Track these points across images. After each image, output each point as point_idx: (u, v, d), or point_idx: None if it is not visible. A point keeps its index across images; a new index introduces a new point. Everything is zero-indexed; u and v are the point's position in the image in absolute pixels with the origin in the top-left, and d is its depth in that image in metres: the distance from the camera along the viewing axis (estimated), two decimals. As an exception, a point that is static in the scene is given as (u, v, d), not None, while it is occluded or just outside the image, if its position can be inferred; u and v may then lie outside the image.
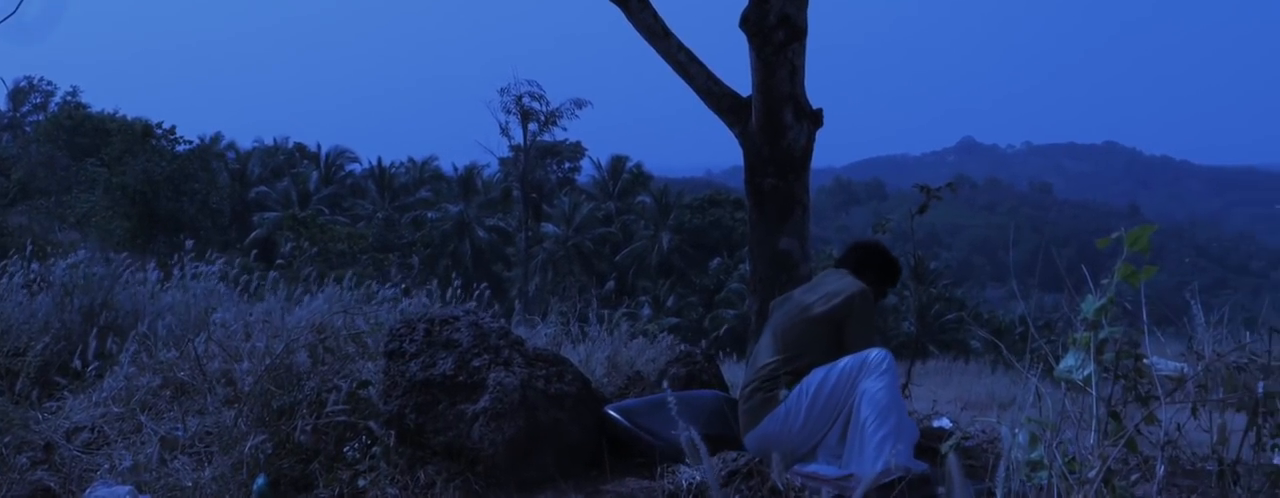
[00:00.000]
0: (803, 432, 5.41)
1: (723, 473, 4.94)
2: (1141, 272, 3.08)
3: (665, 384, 6.91)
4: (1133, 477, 3.06)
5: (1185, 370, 3.79)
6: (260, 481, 5.25)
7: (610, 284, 27.53)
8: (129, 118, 46.15)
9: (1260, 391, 3.23)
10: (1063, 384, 3.19)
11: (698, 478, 5.23)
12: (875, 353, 5.45)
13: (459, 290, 9.57)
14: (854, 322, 5.65)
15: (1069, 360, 3.16)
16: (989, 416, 7.75)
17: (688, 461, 4.79)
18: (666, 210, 63.37)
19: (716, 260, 59.43)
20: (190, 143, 47.71)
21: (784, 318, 5.78)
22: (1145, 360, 3.23)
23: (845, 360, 5.41)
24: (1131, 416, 3.12)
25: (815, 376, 5.43)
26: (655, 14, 7.39)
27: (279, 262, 10.97)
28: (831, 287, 5.77)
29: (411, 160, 69.04)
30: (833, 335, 5.63)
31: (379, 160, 66.13)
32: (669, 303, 55.63)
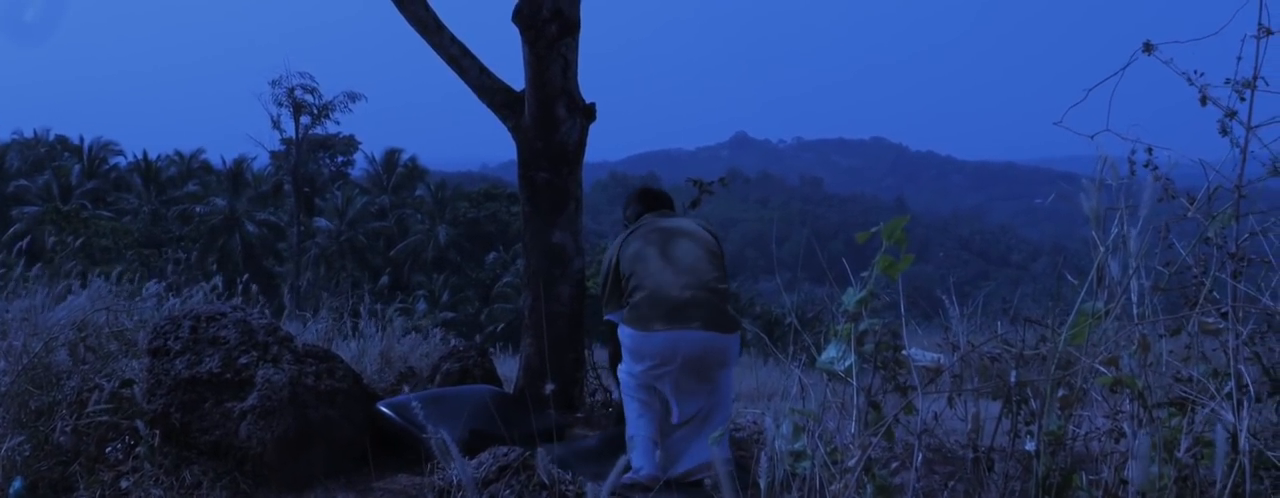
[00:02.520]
0: None
1: (494, 468, 4.93)
2: (899, 263, 3.16)
3: (438, 380, 6.88)
4: (892, 465, 3.13)
5: (942, 361, 3.91)
6: (17, 484, 5.07)
7: (385, 279, 27.22)
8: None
9: (1013, 379, 3.34)
10: (826, 375, 3.25)
11: (470, 473, 5.21)
12: None
13: (224, 286, 9.36)
14: None
15: (830, 352, 3.22)
16: (758, 407, 7.89)
17: (441, 463, 4.79)
18: (443, 204, 63.03)
19: (493, 255, 59.35)
20: (-58, 136, 45.64)
21: (703, 245, 5.95)
22: (903, 351, 3.32)
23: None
24: (891, 405, 3.20)
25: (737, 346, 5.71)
26: (427, 6, 7.32)
27: (20, 245, 10.57)
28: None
29: (178, 153, 67.30)
30: None
31: (144, 153, 64.37)
32: (445, 298, 55.26)
